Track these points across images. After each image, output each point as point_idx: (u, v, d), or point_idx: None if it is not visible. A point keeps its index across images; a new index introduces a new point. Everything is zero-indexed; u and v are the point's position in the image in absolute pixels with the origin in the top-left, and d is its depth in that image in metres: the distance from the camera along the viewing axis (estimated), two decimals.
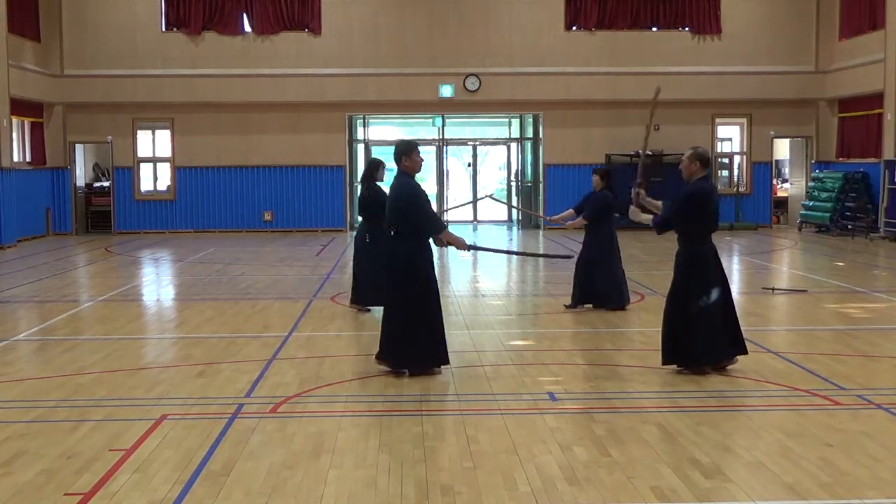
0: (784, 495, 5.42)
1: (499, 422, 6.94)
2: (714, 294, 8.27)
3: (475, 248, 9.59)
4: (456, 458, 6.10)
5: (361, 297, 11.86)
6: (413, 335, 8.30)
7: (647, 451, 6.20)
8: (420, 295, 8.34)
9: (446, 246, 8.68)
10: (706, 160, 8.44)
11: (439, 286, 8.81)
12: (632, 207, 8.85)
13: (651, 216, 8.61)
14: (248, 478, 5.75)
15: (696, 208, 8.28)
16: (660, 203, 8.76)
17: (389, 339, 8.43)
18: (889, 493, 5.44)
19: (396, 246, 8.48)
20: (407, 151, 8.49)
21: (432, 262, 8.58)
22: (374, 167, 11.84)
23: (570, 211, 12.35)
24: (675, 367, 8.42)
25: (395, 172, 8.77)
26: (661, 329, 8.52)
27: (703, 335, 8.23)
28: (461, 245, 8.77)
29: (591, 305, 11.91)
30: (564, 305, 12.12)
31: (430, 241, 8.54)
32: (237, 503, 5.36)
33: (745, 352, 8.51)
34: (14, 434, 6.70)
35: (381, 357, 8.56)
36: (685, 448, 6.26)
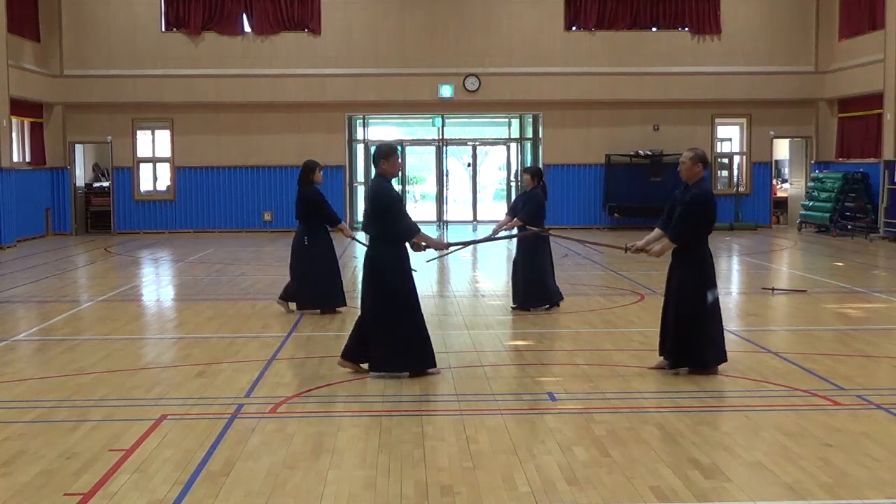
0: (784, 495, 5.42)
1: (499, 422, 6.94)
2: (714, 294, 8.29)
3: (453, 244, 9.49)
4: (456, 458, 6.09)
5: (291, 296, 12.00)
6: (391, 339, 8.20)
7: (647, 452, 6.19)
8: (398, 298, 8.21)
9: (424, 249, 8.55)
10: (707, 161, 8.51)
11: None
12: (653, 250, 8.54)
13: (661, 244, 8.38)
14: (247, 478, 5.75)
15: (711, 212, 8.31)
16: (650, 236, 8.57)
17: (361, 342, 8.34)
18: (889, 493, 5.44)
19: (374, 250, 8.36)
20: (386, 155, 8.32)
21: (409, 267, 8.41)
22: (311, 169, 11.89)
23: (507, 216, 12.22)
24: (678, 368, 8.39)
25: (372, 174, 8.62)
26: (663, 333, 8.48)
27: (711, 335, 8.25)
28: (439, 246, 8.71)
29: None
30: (511, 307, 12.10)
31: (408, 245, 8.41)
32: (237, 503, 5.36)
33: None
34: (14, 434, 6.70)
35: (345, 358, 8.47)
36: (685, 448, 6.26)
